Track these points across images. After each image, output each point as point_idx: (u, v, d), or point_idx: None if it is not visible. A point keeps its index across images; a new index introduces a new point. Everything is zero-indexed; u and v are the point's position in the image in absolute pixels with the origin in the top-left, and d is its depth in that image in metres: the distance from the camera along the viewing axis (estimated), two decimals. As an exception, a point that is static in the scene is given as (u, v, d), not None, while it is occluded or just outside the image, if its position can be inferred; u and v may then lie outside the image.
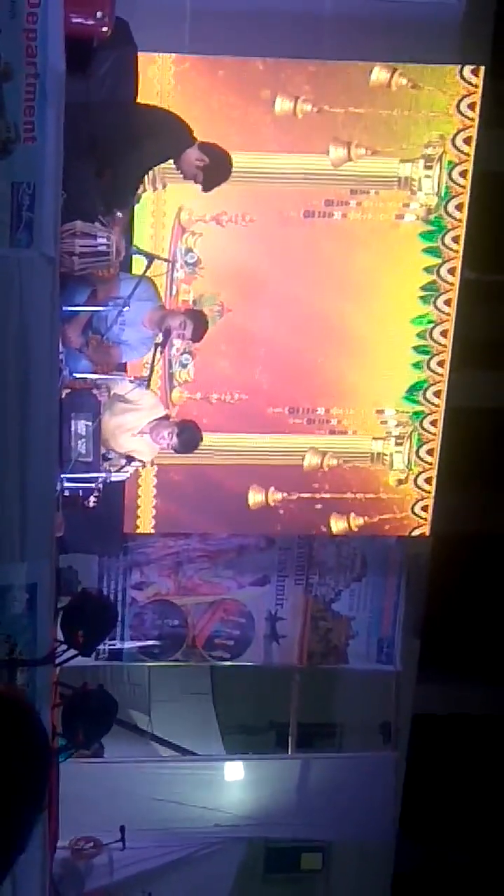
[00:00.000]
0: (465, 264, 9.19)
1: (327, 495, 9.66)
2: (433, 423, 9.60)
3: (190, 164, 7.05)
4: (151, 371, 7.69)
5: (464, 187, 8.99)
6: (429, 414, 9.58)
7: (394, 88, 8.73)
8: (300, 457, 9.57)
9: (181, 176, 7.32)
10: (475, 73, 8.73)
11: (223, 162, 7.10)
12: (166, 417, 7.53)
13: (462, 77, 8.75)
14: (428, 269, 9.20)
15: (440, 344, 9.38)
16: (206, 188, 7.21)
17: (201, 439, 7.55)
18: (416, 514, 9.82)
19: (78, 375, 6.99)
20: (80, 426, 6.59)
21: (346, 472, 9.66)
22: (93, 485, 6.82)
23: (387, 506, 9.77)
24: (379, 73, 8.70)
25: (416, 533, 9.91)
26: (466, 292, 9.29)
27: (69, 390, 6.76)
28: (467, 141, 8.88)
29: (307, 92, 8.65)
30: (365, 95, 8.72)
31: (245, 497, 9.58)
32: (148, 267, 7.46)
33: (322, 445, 9.57)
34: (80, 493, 6.83)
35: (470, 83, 8.76)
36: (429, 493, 9.77)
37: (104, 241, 6.35)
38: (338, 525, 9.76)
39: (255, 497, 9.60)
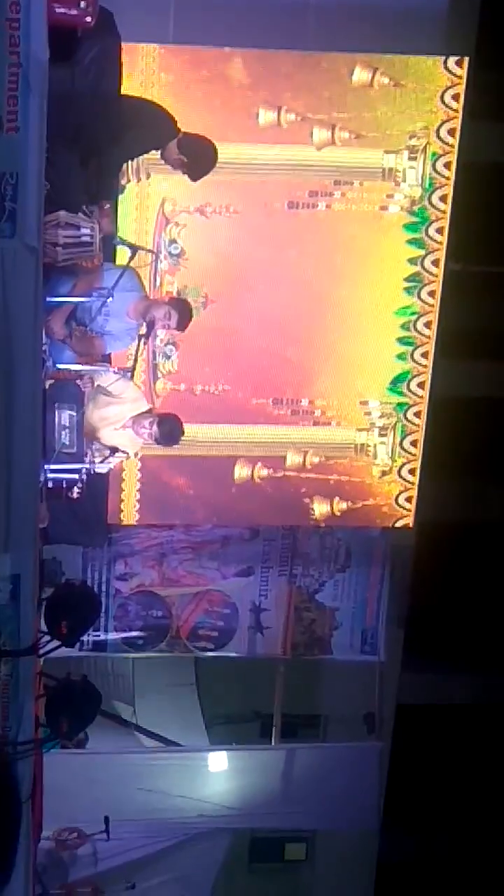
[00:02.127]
0: (448, 255, 9.21)
1: (312, 475, 9.67)
2: (417, 414, 9.62)
3: (175, 155, 7.04)
4: (135, 362, 7.69)
5: (448, 179, 9.01)
6: (413, 405, 9.60)
7: (376, 87, 8.74)
8: (282, 454, 9.58)
9: (166, 166, 7.31)
10: (459, 64, 8.75)
11: (207, 153, 7.09)
12: (149, 412, 7.50)
13: (446, 68, 8.76)
14: (412, 261, 9.22)
15: (424, 335, 9.40)
16: (194, 178, 7.21)
17: (182, 432, 7.52)
18: (400, 505, 9.85)
19: (62, 366, 6.96)
20: (64, 416, 6.56)
21: (329, 465, 9.67)
22: (76, 476, 6.79)
23: (370, 495, 9.79)
24: (360, 74, 8.70)
25: (399, 524, 9.94)
26: (450, 283, 9.31)
27: (53, 381, 6.74)
28: (451, 132, 8.91)
29: (289, 100, 8.67)
30: (348, 96, 8.72)
31: (231, 474, 9.59)
32: (132, 257, 7.46)
33: (304, 440, 9.58)
34: (64, 484, 6.81)
35: (454, 74, 8.76)
36: (412, 484, 9.80)
37: (87, 231, 6.33)
38: (321, 509, 9.78)
39: (240, 471, 9.61)
